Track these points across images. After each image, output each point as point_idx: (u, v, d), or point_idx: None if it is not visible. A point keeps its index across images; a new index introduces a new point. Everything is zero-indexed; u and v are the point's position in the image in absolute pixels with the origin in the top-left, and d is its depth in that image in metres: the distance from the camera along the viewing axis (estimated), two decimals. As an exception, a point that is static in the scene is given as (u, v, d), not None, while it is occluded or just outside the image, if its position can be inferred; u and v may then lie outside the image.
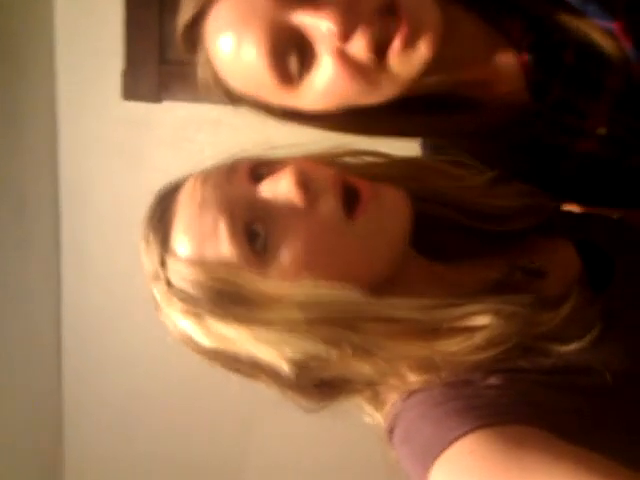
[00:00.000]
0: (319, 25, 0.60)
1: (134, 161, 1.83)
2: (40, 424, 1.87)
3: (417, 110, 0.71)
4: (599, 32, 0.67)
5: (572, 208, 0.80)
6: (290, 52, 0.61)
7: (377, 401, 0.61)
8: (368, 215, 0.58)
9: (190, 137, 1.81)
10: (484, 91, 0.73)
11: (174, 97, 1.79)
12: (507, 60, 0.71)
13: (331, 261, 0.58)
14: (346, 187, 0.59)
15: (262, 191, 0.59)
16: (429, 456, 0.51)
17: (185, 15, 0.65)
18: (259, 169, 0.61)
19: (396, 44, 0.61)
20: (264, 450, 1.95)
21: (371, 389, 0.61)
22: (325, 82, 0.63)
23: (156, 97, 1.80)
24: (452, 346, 0.56)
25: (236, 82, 0.66)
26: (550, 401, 0.54)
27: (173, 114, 1.81)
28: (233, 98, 0.68)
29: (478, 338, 0.56)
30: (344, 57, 0.61)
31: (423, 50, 0.62)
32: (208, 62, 0.66)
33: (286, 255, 0.57)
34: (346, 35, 0.60)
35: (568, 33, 0.69)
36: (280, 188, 0.58)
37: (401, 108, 0.68)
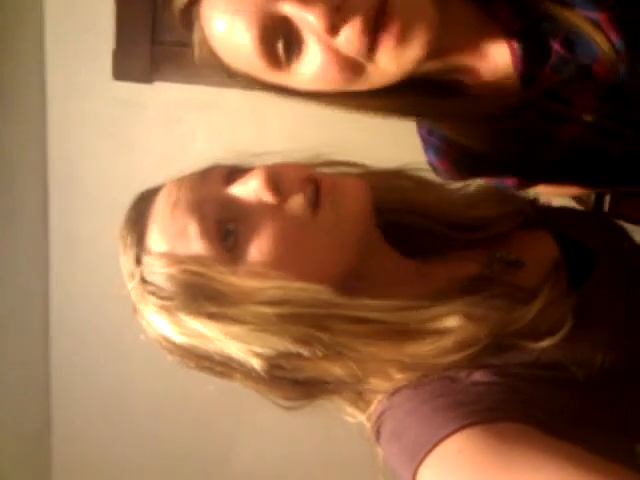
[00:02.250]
0: (306, 18, 0.60)
1: (124, 141, 1.81)
2: (28, 406, 1.86)
3: (408, 91, 0.71)
4: (586, 22, 0.68)
5: (554, 192, 0.81)
6: (279, 39, 0.63)
7: (362, 401, 0.62)
8: (328, 205, 0.60)
9: (181, 118, 1.80)
10: (474, 76, 0.74)
11: (165, 78, 1.78)
12: (497, 46, 0.72)
13: (299, 257, 0.59)
14: (312, 184, 0.60)
15: (233, 191, 0.61)
16: (417, 455, 0.51)
17: (179, 1, 0.66)
18: (233, 174, 0.63)
19: (387, 41, 0.61)
20: (253, 441, 1.96)
21: (350, 390, 0.61)
22: (313, 69, 0.64)
23: (147, 78, 1.79)
24: (421, 348, 0.57)
25: (230, 61, 0.67)
26: (535, 396, 0.54)
27: (164, 95, 1.80)
28: (229, 73, 0.69)
29: (447, 341, 0.56)
30: (332, 49, 0.62)
31: (415, 49, 0.62)
32: (204, 40, 0.67)
33: (255, 252, 0.58)
34: (334, 29, 0.60)
35: (556, 22, 0.70)
36: (250, 187, 0.60)
37: (393, 88, 0.68)
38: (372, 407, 0.60)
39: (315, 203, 0.60)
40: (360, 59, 0.63)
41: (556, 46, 0.70)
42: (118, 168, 1.78)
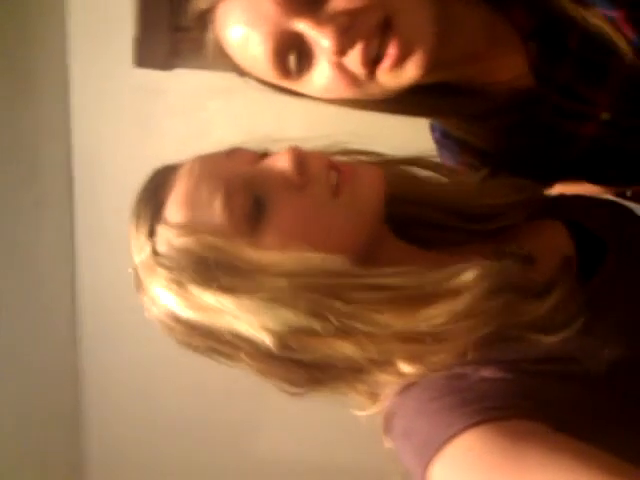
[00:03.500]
0: (318, 39, 0.64)
1: (146, 129, 1.82)
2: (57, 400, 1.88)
3: (421, 91, 0.72)
4: (602, 20, 0.68)
5: (571, 190, 0.81)
6: (291, 53, 0.67)
7: (371, 395, 0.62)
8: (347, 191, 0.62)
9: (202, 105, 1.81)
10: (490, 77, 0.74)
11: (186, 65, 1.78)
12: (511, 47, 0.72)
13: (317, 232, 0.60)
14: (334, 171, 0.63)
15: (260, 167, 0.63)
16: (428, 453, 0.51)
17: (197, 5, 0.70)
18: (257, 156, 0.65)
19: (385, 63, 0.65)
20: (273, 432, 1.97)
21: (359, 380, 0.61)
22: (322, 82, 0.68)
23: (168, 64, 1.79)
24: (434, 312, 0.56)
25: (243, 65, 0.71)
26: (545, 392, 0.54)
27: (185, 82, 1.80)
28: (241, 73, 0.70)
29: (461, 301, 0.56)
30: (340, 67, 0.66)
31: (412, 70, 0.66)
32: (217, 43, 0.71)
33: (276, 227, 0.60)
34: (343, 51, 0.65)
35: (571, 20, 0.70)
36: (279, 165, 0.62)
37: (406, 90, 0.70)
38: (382, 403, 0.61)
39: (335, 190, 0.62)
40: (363, 76, 0.67)
41: (572, 44, 0.70)
42: (140, 155, 1.79)
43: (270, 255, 0.58)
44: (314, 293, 0.57)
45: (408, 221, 0.70)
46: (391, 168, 0.70)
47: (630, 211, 0.77)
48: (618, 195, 0.88)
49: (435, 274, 0.59)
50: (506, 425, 0.50)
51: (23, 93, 1.59)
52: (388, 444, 0.60)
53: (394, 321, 0.57)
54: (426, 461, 0.51)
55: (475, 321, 0.56)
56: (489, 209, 0.70)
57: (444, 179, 0.73)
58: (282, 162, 0.62)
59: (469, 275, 0.57)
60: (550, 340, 0.56)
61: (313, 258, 0.58)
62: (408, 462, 0.56)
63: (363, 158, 0.71)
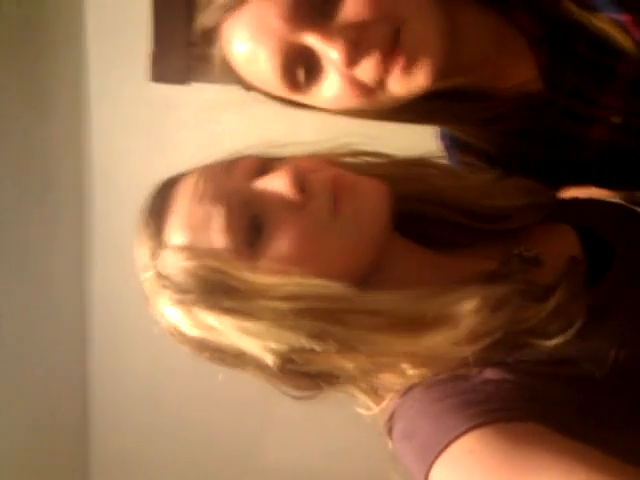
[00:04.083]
0: (327, 52, 0.65)
1: (160, 142, 1.83)
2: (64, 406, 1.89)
3: (431, 99, 0.72)
4: (611, 24, 0.68)
5: (580, 194, 0.80)
6: (299, 66, 0.67)
7: (375, 395, 0.62)
8: (348, 207, 0.61)
9: (216, 119, 1.81)
10: (499, 83, 0.74)
11: (202, 79, 1.79)
12: (520, 53, 0.72)
13: (318, 256, 0.59)
14: (337, 186, 0.61)
15: (258, 187, 0.61)
16: (429, 455, 0.51)
17: (203, 21, 0.68)
18: (260, 166, 0.63)
19: (394, 73, 0.65)
20: (280, 436, 1.96)
21: (362, 384, 0.61)
22: (332, 94, 0.68)
23: (184, 79, 1.80)
24: (437, 338, 0.56)
25: (250, 80, 0.69)
26: (546, 393, 0.54)
27: (199, 95, 1.81)
28: (247, 87, 0.70)
29: (462, 329, 0.56)
30: (350, 79, 0.66)
31: (420, 79, 0.66)
32: (224, 59, 0.71)
33: (276, 249, 0.59)
34: (353, 63, 0.65)
35: (580, 25, 0.70)
36: (275, 185, 0.60)
37: (415, 98, 0.69)
38: (384, 403, 0.61)
39: (337, 208, 0.60)
40: (373, 86, 0.67)
41: (580, 49, 0.70)
42: (154, 168, 1.79)
43: (269, 279, 0.58)
44: (315, 318, 0.57)
45: (418, 220, 0.69)
46: (401, 169, 0.70)
47: (639, 215, 0.76)
48: (627, 199, 0.87)
49: (435, 301, 0.58)
50: (508, 427, 0.50)
51: (37, 106, 1.61)
52: (389, 445, 0.60)
53: (395, 344, 0.58)
54: (428, 463, 0.51)
55: (478, 342, 0.56)
56: (500, 210, 0.70)
57: (454, 179, 0.72)
58: (280, 182, 0.61)
59: (468, 306, 0.57)
60: (552, 344, 0.56)
61: (311, 284, 0.58)
62: (408, 463, 0.56)
63: (372, 160, 0.71)
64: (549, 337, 0.56)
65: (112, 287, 1.89)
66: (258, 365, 0.60)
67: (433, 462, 0.51)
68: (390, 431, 0.59)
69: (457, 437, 0.50)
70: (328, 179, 0.62)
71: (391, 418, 0.59)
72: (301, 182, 0.61)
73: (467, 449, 0.50)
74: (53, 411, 1.79)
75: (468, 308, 0.56)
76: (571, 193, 0.83)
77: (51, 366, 1.76)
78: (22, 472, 1.63)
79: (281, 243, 0.59)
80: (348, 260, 0.61)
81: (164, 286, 0.60)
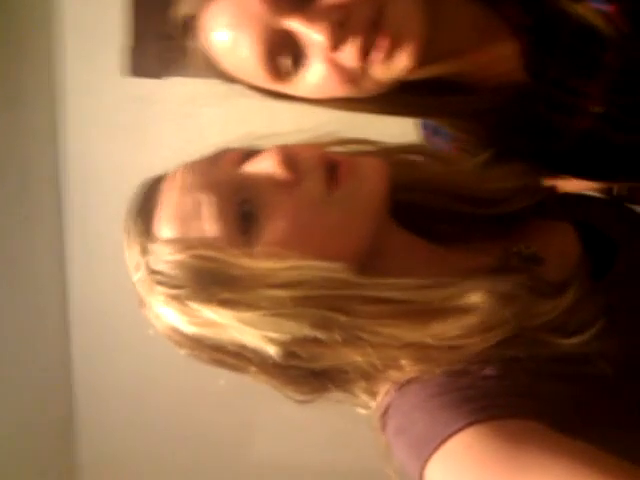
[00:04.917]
0: (311, 35, 0.63)
1: (139, 138, 1.81)
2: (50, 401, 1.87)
3: (413, 91, 0.72)
4: (595, 14, 0.68)
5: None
6: (282, 53, 0.65)
7: (370, 391, 0.61)
8: (345, 184, 0.59)
9: (196, 112, 1.79)
10: (481, 72, 0.74)
11: (180, 73, 1.76)
12: (503, 40, 0.72)
13: (315, 236, 0.57)
14: (328, 163, 0.60)
15: (247, 171, 0.60)
16: (425, 451, 0.51)
17: (180, 10, 0.66)
18: (245, 156, 0.62)
19: (377, 55, 0.64)
20: (271, 431, 1.96)
21: (365, 379, 0.60)
22: (315, 81, 0.67)
23: (162, 73, 1.78)
24: (445, 328, 0.55)
25: (231, 70, 0.70)
26: (547, 391, 0.54)
27: (178, 89, 1.79)
28: (227, 80, 0.69)
29: (472, 319, 0.55)
30: (334, 64, 0.65)
31: (403, 61, 0.65)
32: (201, 50, 0.69)
33: (271, 233, 0.57)
34: (337, 46, 0.63)
35: (563, 14, 0.70)
36: (264, 166, 0.59)
37: (398, 89, 0.69)
38: (379, 398, 0.59)
39: (330, 183, 0.59)
40: (357, 70, 0.66)
41: (564, 38, 0.70)
42: (134, 165, 1.77)
43: (265, 265, 0.56)
44: (317, 306, 0.55)
45: (413, 210, 0.68)
46: (390, 156, 0.68)
47: (634, 212, 0.76)
48: (605, 192, 0.88)
49: (442, 291, 0.57)
50: (506, 424, 0.50)
51: (11, 104, 1.58)
52: (382, 440, 0.59)
53: (401, 333, 0.56)
54: (424, 458, 0.51)
55: (490, 334, 0.55)
56: (495, 193, 0.69)
57: (446, 165, 0.71)
58: (268, 162, 0.59)
59: (476, 298, 0.56)
60: (567, 342, 0.55)
61: (313, 267, 0.56)
62: (403, 458, 0.55)
63: (360, 147, 0.69)
64: (568, 335, 0.55)
65: (94, 284, 1.87)
66: (260, 362, 0.58)
67: (429, 457, 0.50)
68: (385, 426, 0.58)
69: (454, 433, 0.50)
70: (319, 156, 0.60)
71: (386, 413, 0.58)
72: (291, 160, 0.59)
73: (464, 445, 0.49)
74: (39, 411, 1.78)
75: (475, 299, 0.55)
76: (550, 183, 0.82)
77: (35, 366, 1.75)
78: (8, 472, 1.62)
79: (275, 225, 0.57)
80: (346, 240, 0.59)
81: (157, 282, 0.57)
